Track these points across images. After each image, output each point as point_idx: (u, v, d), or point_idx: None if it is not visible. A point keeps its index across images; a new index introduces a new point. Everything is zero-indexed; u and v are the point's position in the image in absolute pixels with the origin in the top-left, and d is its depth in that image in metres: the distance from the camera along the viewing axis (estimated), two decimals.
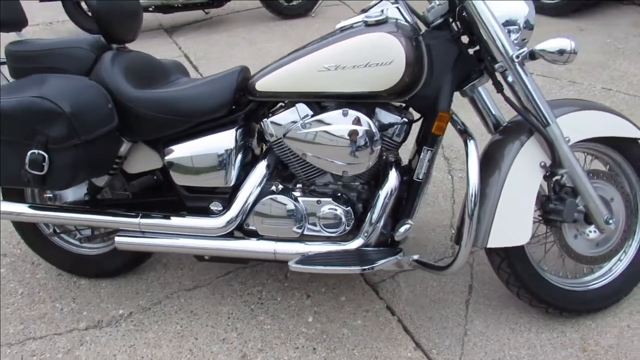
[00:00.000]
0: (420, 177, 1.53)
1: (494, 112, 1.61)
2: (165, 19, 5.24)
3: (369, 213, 1.52)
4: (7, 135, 1.39)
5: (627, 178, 1.66)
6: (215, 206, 1.63)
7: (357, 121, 1.42)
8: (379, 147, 1.44)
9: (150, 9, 4.70)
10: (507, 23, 1.48)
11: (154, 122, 1.53)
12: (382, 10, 1.46)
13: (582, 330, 1.62)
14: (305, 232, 1.57)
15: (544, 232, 1.63)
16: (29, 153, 1.38)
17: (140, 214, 1.62)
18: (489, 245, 1.48)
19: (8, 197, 1.77)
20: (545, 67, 3.44)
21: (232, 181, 1.59)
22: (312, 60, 1.43)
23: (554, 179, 1.53)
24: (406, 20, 1.47)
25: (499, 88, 1.48)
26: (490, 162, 1.52)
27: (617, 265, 1.68)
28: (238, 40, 4.59)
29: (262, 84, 1.50)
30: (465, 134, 1.49)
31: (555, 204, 1.51)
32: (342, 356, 1.59)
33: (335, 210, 1.53)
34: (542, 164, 1.49)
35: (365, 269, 1.45)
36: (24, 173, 1.40)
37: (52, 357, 1.65)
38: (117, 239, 1.64)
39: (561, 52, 1.35)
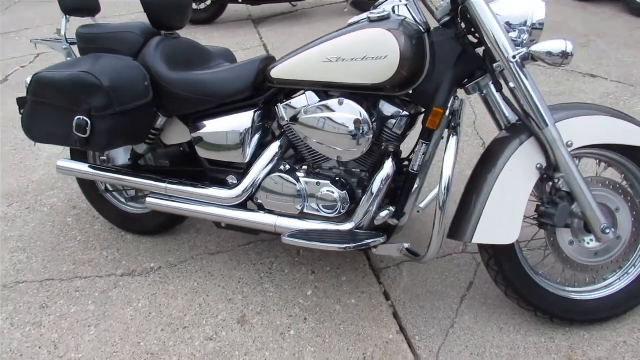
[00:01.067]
0: (415, 169, 1.60)
1: (504, 111, 1.62)
2: (254, 10, 5.57)
3: (363, 198, 1.62)
4: (60, 102, 1.67)
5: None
6: (231, 179, 1.82)
7: (351, 110, 1.52)
8: (371, 136, 1.53)
9: (240, 0, 5.03)
10: (516, 23, 1.50)
11: (184, 100, 1.75)
12: (393, 8, 1.55)
13: (572, 339, 1.59)
14: (306, 211, 1.71)
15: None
16: (75, 118, 1.65)
17: (168, 181, 1.86)
18: (474, 241, 1.51)
19: (74, 157, 2.10)
20: (621, 73, 3.23)
21: (248, 158, 1.76)
22: (317, 52, 1.56)
23: (551, 183, 1.52)
24: (414, 18, 1.54)
25: (498, 87, 1.50)
26: (488, 158, 1.54)
27: (623, 279, 1.63)
28: (317, 33, 4.72)
29: (277, 72, 1.64)
30: (452, 129, 1.53)
31: (547, 208, 1.50)
32: (328, 329, 1.71)
33: (333, 193, 1.65)
34: (539, 166, 1.48)
35: (343, 248, 1.55)
36: (73, 135, 1.67)
37: (91, 295, 1.94)
38: (147, 199, 1.90)
39: (556, 54, 1.35)
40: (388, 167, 1.59)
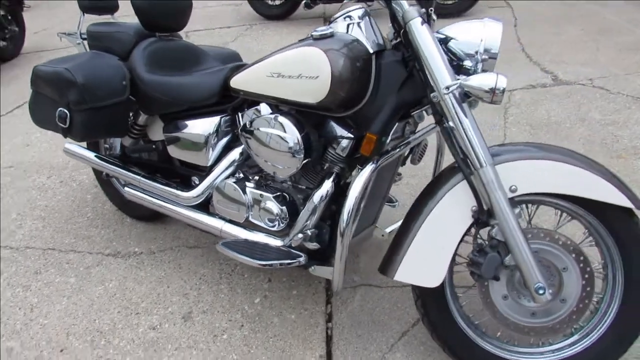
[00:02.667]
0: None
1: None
2: (330, 8, 5.57)
3: (299, 216, 1.60)
4: (49, 94, 1.84)
5: (607, 248, 1.39)
6: (194, 180, 1.88)
7: (284, 128, 1.50)
8: (301, 156, 1.49)
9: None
10: (470, 51, 1.38)
11: (157, 101, 1.84)
12: (348, 25, 1.50)
13: None
14: (251, 220, 1.72)
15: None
16: (58, 110, 1.82)
17: (142, 174, 1.97)
18: (396, 278, 1.42)
19: (88, 146, 2.31)
20: None
21: (210, 161, 1.81)
22: (263, 66, 1.55)
23: (487, 229, 1.38)
24: (366, 37, 1.48)
25: (436, 119, 1.39)
26: (425, 195, 1.44)
27: (574, 347, 1.43)
28: None
29: (234, 82, 1.67)
30: (380, 156, 1.46)
31: (476, 256, 1.37)
32: (258, 339, 1.72)
33: (273, 207, 1.64)
34: (474, 209, 1.36)
35: (261, 264, 1.55)
36: (56, 124, 1.85)
37: (76, 268, 2.14)
38: (125, 188, 2.04)
39: (485, 89, 1.23)
40: (325, 187, 1.55)
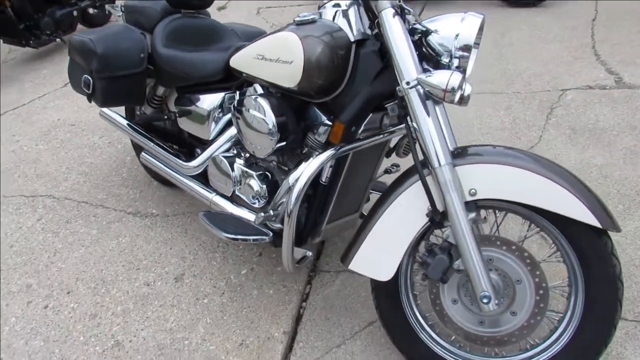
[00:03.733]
0: (323, 181, 1.57)
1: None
2: None
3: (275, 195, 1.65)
4: (78, 61, 2.03)
5: (571, 266, 1.30)
6: (197, 152, 1.99)
7: (261, 110, 1.54)
8: (276, 138, 1.52)
9: None
10: (448, 45, 1.34)
11: (169, 74, 1.96)
12: (335, 13, 1.50)
13: None
14: (237, 194, 1.80)
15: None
16: (84, 76, 1.99)
17: (155, 142, 2.12)
18: (350, 267, 1.44)
19: (126, 111, 2.51)
20: None
21: (211, 135, 1.91)
22: (252, 48, 1.60)
23: (441, 229, 1.35)
24: (349, 26, 1.47)
25: (400, 113, 1.37)
26: (390, 188, 1.44)
27: None
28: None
29: (233, 61, 1.73)
30: (334, 148, 1.46)
31: (424, 256, 1.34)
32: (233, 308, 1.81)
33: (254, 184, 1.71)
34: (430, 208, 1.34)
35: (227, 237, 1.62)
36: (83, 89, 2.03)
37: (100, 222, 2.36)
38: (142, 154, 2.19)
39: (438, 87, 1.20)
40: (300, 170, 1.58)
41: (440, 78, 1.20)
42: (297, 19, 1.49)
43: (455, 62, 1.33)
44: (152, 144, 2.13)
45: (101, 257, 2.14)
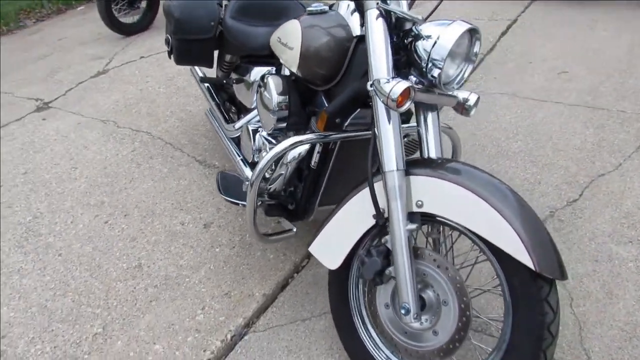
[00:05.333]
0: (312, 165, 1.65)
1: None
2: None
3: None
4: (166, 21, 2.33)
5: (505, 300, 1.23)
6: (241, 117, 2.19)
7: (268, 87, 1.65)
8: (276, 116, 1.63)
9: None
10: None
11: (229, 44, 2.16)
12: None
13: None
14: (255, 162, 1.95)
15: None
16: (166, 35, 2.29)
17: (214, 103, 2.36)
18: (310, 249, 1.52)
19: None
20: None
21: (252, 105, 2.09)
22: (278, 30, 1.72)
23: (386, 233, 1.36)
24: (357, 21, 1.50)
25: (370, 113, 1.38)
26: (360, 183, 1.47)
27: None
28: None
29: (270, 40, 1.86)
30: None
31: (361, 255, 1.37)
32: (235, 262, 2.02)
33: (266, 153, 1.84)
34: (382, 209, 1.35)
35: (221, 196, 1.79)
36: (165, 46, 2.34)
37: (172, 163, 2.71)
38: (206, 109, 2.47)
39: (386, 95, 1.20)
40: (298, 150, 1.67)
41: (389, 85, 1.20)
42: (309, 9, 1.56)
43: (434, 72, 1.30)
44: (213, 102, 2.38)
45: (160, 192, 2.49)
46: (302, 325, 1.74)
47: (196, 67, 2.69)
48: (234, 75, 2.33)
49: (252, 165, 1.97)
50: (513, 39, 3.86)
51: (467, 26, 1.27)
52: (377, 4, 1.31)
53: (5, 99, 3.73)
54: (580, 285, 1.75)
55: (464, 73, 1.37)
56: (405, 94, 1.19)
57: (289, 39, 1.56)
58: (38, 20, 5.88)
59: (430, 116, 1.43)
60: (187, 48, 2.24)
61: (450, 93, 1.39)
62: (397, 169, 1.27)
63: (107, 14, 4.51)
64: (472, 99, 1.48)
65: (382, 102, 1.23)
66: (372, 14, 1.32)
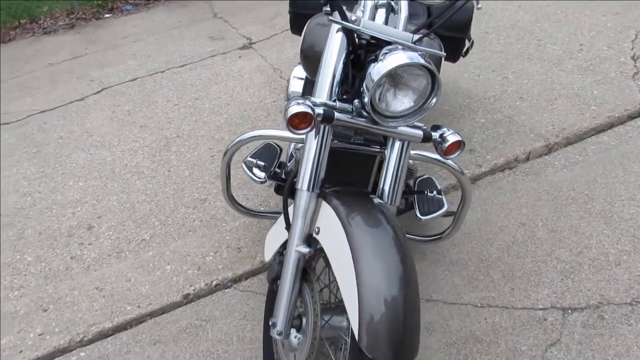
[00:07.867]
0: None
1: None
2: None
3: None
4: None
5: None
6: None
7: (293, 73, 1.74)
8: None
9: None
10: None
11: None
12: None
13: None
14: None
15: None
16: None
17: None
18: (267, 234, 1.62)
19: None
20: None
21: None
22: None
23: None
24: None
25: None
26: None
27: None
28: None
29: None
30: None
31: (273, 260, 1.41)
32: (229, 232, 2.23)
33: None
34: None
35: (242, 165, 1.95)
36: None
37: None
38: None
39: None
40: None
41: (290, 105, 1.17)
42: (325, 8, 1.54)
43: (365, 98, 1.20)
44: None
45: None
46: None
47: None
48: None
49: None
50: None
51: (406, 60, 1.12)
52: (338, 20, 1.24)
53: (229, 32, 4.40)
54: None
55: (415, 110, 1.22)
56: (302, 118, 1.16)
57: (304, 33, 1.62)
58: None
59: (397, 145, 1.33)
60: (297, 21, 2.38)
61: (391, 126, 1.25)
62: (307, 189, 1.26)
63: None
64: (452, 138, 1.29)
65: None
66: (334, 27, 1.27)
